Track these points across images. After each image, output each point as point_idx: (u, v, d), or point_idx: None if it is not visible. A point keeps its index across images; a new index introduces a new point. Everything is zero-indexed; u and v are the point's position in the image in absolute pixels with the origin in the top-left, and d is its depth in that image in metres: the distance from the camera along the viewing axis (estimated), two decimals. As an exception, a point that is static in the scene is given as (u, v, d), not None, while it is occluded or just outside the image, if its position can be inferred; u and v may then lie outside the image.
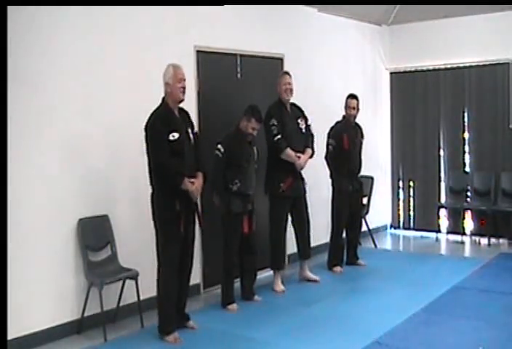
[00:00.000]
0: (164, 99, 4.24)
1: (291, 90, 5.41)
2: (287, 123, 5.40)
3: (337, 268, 6.11)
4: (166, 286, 4.24)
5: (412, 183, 8.18)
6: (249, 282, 5.16)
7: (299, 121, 5.51)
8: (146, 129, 4.17)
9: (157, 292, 4.29)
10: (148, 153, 4.18)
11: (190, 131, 4.31)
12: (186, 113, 4.39)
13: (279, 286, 5.48)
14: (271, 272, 5.63)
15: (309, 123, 5.59)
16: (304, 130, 5.51)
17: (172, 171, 4.12)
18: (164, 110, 4.20)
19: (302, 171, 5.50)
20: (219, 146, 4.86)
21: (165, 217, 4.19)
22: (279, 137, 5.30)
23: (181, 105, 4.32)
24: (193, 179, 4.21)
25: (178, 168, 4.14)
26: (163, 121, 4.12)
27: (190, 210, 4.30)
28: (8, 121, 3.56)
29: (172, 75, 4.18)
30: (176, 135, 4.12)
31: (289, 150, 5.32)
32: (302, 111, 5.61)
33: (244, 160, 4.91)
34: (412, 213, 8.21)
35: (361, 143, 6.23)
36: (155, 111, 4.21)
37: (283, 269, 5.59)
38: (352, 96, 6.07)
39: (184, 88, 4.22)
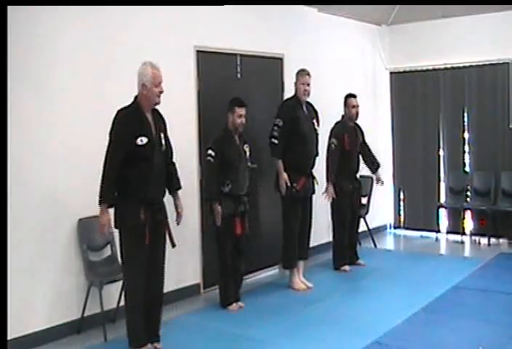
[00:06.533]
0: (136, 98, 3.92)
1: (308, 92, 5.40)
2: (303, 123, 5.36)
3: (346, 267, 6.11)
4: (131, 298, 3.94)
5: (411, 183, 8.17)
6: (234, 286, 5.02)
7: (314, 121, 5.51)
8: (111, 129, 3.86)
9: (125, 304, 4.07)
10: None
11: (162, 135, 3.98)
12: (160, 114, 4.04)
13: (298, 284, 5.47)
14: (272, 271, 5.62)
15: (319, 127, 5.58)
16: (318, 131, 5.52)
17: (104, 185, 3.77)
18: (134, 111, 3.86)
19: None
20: (209, 151, 4.79)
21: (127, 225, 3.86)
22: (275, 142, 5.27)
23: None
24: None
25: (111, 187, 3.78)
26: (129, 124, 3.80)
27: (158, 222, 3.95)
28: (9, 121, 3.57)
29: (150, 78, 3.85)
30: (144, 140, 3.79)
31: (280, 164, 5.28)
32: (316, 112, 5.61)
33: (234, 160, 4.86)
34: (412, 213, 8.21)
35: (361, 143, 6.23)
36: (122, 110, 3.86)
37: (294, 268, 5.52)
38: (351, 95, 6.11)
39: (161, 92, 3.91)
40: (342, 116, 6.12)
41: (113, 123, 3.86)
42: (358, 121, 6.27)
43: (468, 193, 7.70)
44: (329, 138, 5.99)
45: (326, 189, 5.85)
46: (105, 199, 3.81)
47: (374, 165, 6.34)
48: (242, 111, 4.90)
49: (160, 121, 4.03)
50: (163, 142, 3.98)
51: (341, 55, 7.44)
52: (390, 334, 4.30)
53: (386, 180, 8.17)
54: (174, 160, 4.18)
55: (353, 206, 6.17)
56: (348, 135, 6.03)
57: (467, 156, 7.77)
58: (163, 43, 5.07)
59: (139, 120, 3.86)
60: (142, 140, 3.80)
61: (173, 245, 4.08)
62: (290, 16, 6.54)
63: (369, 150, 6.35)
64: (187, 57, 5.33)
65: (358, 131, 6.21)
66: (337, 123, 6.10)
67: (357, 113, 6.10)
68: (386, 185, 8.14)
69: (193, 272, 5.43)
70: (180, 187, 4.21)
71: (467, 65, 7.59)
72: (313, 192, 5.58)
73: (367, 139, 6.42)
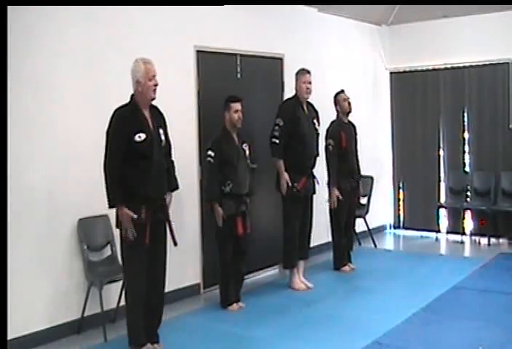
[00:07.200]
0: (132, 96, 3.88)
1: (310, 90, 5.40)
2: (303, 123, 5.36)
3: (347, 268, 6.12)
4: (132, 298, 3.92)
5: (411, 183, 8.17)
6: (235, 286, 5.04)
7: (314, 121, 5.51)
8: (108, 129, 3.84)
9: (125, 303, 4.03)
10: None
11: (161, 131, 3.95)
12: (159, 111, 4.02)
13: (298, 284, 5.47)
14: (272, 271, 5.61)
15: (320, 127, 5.56)
16: (318, 131, 5.52)
17: (109, 186, 3.76)
18: (130, 109, 3.84)
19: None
20: (209, 152, 4.79)
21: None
22: (276, 141, 5.27)
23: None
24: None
25: (113, 187, 3.76)
26: (126, 122, 3.78)
27: (159, 220, 3.95)
28: (8, 122, 3.57)
29: (143, 73, 3.79)
30: (142, 136, 3.77)
31: (281, 163, 5.29)
32: (316, 112, 5.60)
33: (233, 159, 4.84)
34: (412, 213, 8.21)
35: (356, 141, 6.22)
36: (119, 109, 3.85)
37: (294, 268, 5.52)
38: (339, 91, 6.08)
39: (156, 85, 3.86)
40: (337, 115, 6.10)
41: (110, 122, 3.84)
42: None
43: (468, 193, 7.70)
44: (326, 139, 5.97)
45: (330, 195, 5.83)
46: (114, 201, 3.80)
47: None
48: (238, 106, 4.89)
49: (159, 117, 4.00)
50: (162, 137, 3.95)
51: (341, 55, 7.44)
52: (390, 334, 4.30)
53: (386, 180, 8.21)
54: (173, 158, 4.16)
55: (350, 206, 6.15)
56: (344, 132, 6.00)
57: (467, 156, 7.77)
58: (163, 43, 5.07)
59: (136, 117, 3.84)
60: (141, 136, 3.77)
61: (175, 243, 4.06)
62: (290, 16, 6.54)
63: (357, 157, 6.22)
64: (187, 57, 5.33)
65: (352, 129, 6.20)
66: (332, 123, 6.07)
67: (349, 104, 6.07)
68: (386, 185, 8.17)
69: (193, 272, 5.43)
70: (176, 188, 4.18)
71: (467, 65, 7.59)
72: (314, 192, 5.57)
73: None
